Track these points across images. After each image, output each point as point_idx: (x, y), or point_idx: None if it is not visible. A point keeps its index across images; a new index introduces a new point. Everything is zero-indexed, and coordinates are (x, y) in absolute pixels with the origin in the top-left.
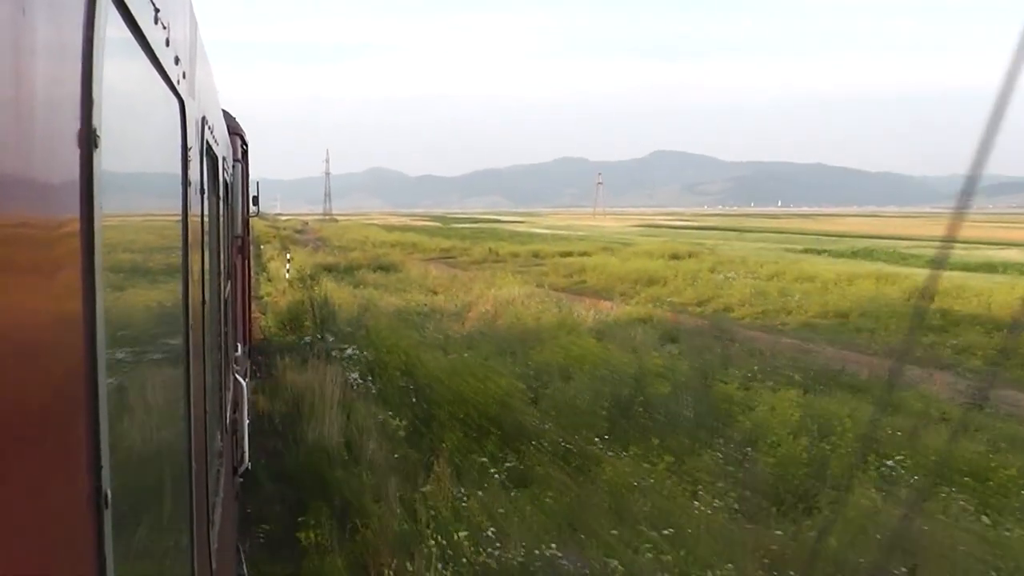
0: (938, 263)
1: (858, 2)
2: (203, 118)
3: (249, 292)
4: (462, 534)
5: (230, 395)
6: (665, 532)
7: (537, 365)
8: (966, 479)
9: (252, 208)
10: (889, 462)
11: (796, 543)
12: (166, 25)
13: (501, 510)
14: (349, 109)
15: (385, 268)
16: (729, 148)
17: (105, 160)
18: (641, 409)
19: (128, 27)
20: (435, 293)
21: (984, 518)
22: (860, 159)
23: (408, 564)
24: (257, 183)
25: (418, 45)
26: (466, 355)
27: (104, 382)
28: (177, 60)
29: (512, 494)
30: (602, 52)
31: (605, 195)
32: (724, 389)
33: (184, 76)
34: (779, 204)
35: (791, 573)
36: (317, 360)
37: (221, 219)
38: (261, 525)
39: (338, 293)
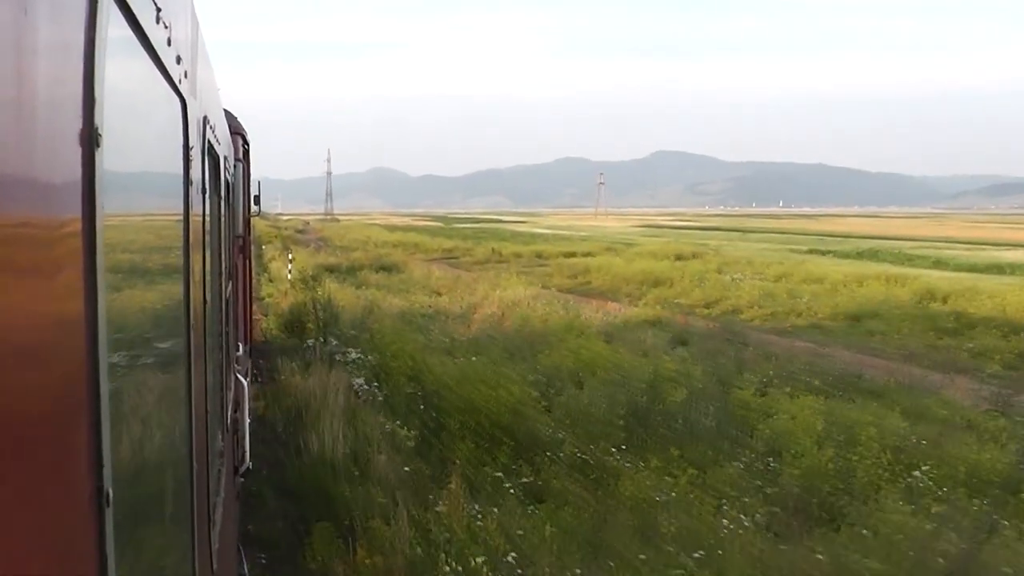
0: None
1: (858, 2)
2: (205, 117)
3: (250, 292)
4: (479, 559)
5: (231, 395)
6: (696, 555)
7: (547, 369)
8: (996, 491)
9: (253, 208)
10: (916, 472)
11: (836, 566)
12: (168, 24)
13: (520, 531)
14: (350, 109)
15: (388, 269)
16: (730, 148)
17: (107, 159)
18: (659, 418)
19: (130, 26)
20: (439, 294)
21: None
22: (861, 159)
23: None
24: (258, 183)
25: (419, 45)
26: (474, 359)
27: (106, 381)
28: (179, 59)
29: (529, 509)
30: (602, 52)
31: (607, 195)
32: (740, 395)
33: (186, 75)
34: (780, 204)
35: None
36: (320, 364)
37: (222, 219)
38: (263, 550)
39: (341, 294)
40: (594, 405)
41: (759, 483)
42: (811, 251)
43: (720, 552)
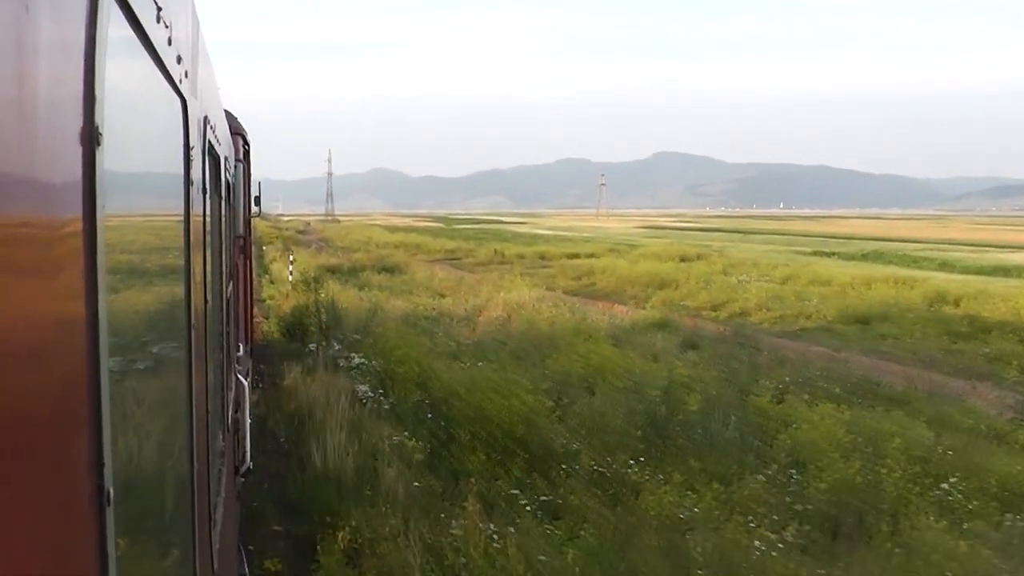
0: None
1: (858, 2)
2: (205, 117)
3: (251, 292)
4: None
5: (232, 395)
6: None
7: (556, 375)
8: None
9: (254, 208)
10: (944, 485)
11: None
12: (168, 24)
13: (542, 557)
14: (350, 109)
15: (390, 270)
16: (731, 149)
17: (107, 159)
18: (677, 428)
19: (130, 26)
20: (442, 296)
21: None
22: (863, 161)
23: None
24: (259, 183)
25: (419, 45)
26: (481, 364)
27: (107, 381)
28: (179, 59)
29: (546, 527)
30: (602, 52)
31: (608, 196)
32: (757, 402)
33: (186, 75)
34: (781, 206)
35: None
36: (323, 370)
37: (223, 219)
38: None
39: (343, 296)
40: (608, 414)
41: (788, 499)
42: (815, 253)
43: None
